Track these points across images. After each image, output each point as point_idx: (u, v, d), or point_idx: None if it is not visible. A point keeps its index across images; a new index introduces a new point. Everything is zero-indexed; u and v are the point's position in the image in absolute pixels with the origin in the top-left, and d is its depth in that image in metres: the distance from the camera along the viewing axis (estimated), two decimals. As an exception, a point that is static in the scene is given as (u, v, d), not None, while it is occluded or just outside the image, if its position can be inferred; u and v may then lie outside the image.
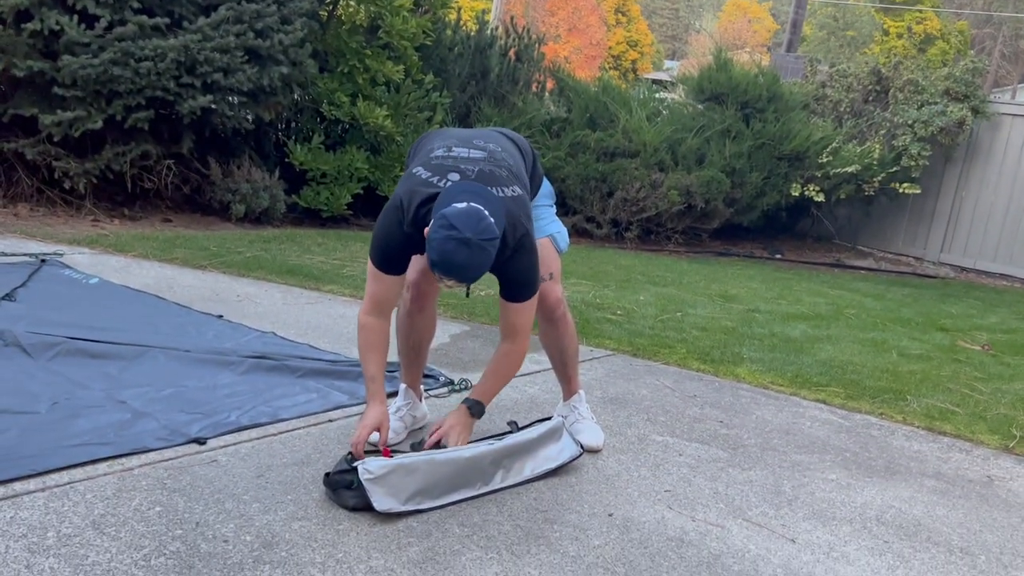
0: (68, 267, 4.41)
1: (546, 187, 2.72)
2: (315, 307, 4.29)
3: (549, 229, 2.65)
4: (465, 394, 2.73)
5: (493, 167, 2.31)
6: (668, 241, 9.22)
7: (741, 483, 2.54)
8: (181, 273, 4.73)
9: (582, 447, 2.54)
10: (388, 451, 2.18)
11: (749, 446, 2.90)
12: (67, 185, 6.00)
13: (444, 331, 4.07)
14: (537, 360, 3.70)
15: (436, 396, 3.04)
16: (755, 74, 9.67)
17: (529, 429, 2.44)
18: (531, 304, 2.38)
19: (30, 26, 5.47)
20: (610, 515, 2.21)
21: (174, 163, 6.46)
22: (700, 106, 9.88)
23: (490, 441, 2.32)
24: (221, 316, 3.83)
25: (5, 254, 4.55)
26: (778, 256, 9.63)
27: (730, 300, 5.99)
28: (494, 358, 2.48)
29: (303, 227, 7.62)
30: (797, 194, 9.41)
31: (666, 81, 16.52)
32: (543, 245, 2.53)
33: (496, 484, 2.25)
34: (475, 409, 2.41)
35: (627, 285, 6.10)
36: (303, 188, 7.80)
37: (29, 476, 2.01)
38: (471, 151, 2.34)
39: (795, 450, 2.92)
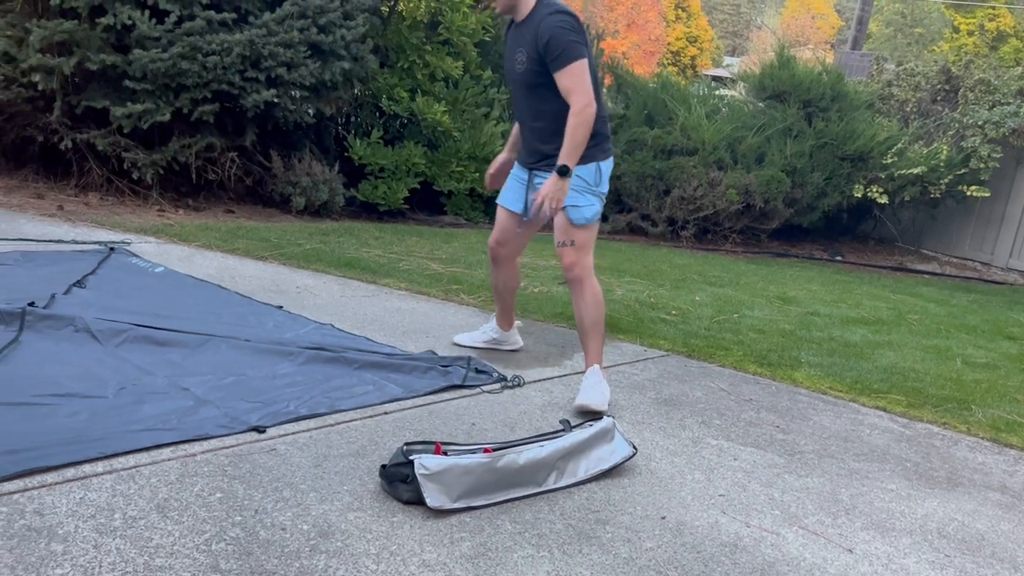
0: (135, 255, 4.54)
1: (586, 172, 3.03)
2: (372, 300, 4.35)
3: (575, 207, 3.03)
4: (517, 390, 3.12)
5: None
6: (725, 241, 9.10)
7: (797, 490, 2.50)
8: (243, 263, 4.84)
9: (634, 447, 2.53)
10: (440, 447, 2.20)
11: (806, 452, 2.85)
12: (135, 176, 6.18)
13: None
14: (590, 359, 3.69)
15: (489, 392, 3.05)
16: (819, 72, 9.48)
17: (581, 430, 2.43)
18: (573, 68, 2.86)
19: (104, 20, 5.64)
20: (663, 518, 2.20)
21: (237, 155, 6.61)
22: (761, 104, 9.72)
23: (541, 443, 2.31)
24: (281, 307, 3.90)
25: (76, 242, 4.71)
26: (838, 258, 9.43)
27: (788, 302, 5.88)
28: (568, 123, 2.89)
29: (360, 220, 7.73)
30: (860, 195, 9.20)
31: (726, 78, 16.29)
32: (558, 216, 3.03)
33: (549, 485, 2.25)
34: (562, 170, 2.89)
35: (682, 285, 6.04)
36: (361, 182, 7.90)
37: (98, 459, 2.08)
38: None
39: (853, 458, 2.86)
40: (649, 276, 6.23)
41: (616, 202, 9.22)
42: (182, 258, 4.71)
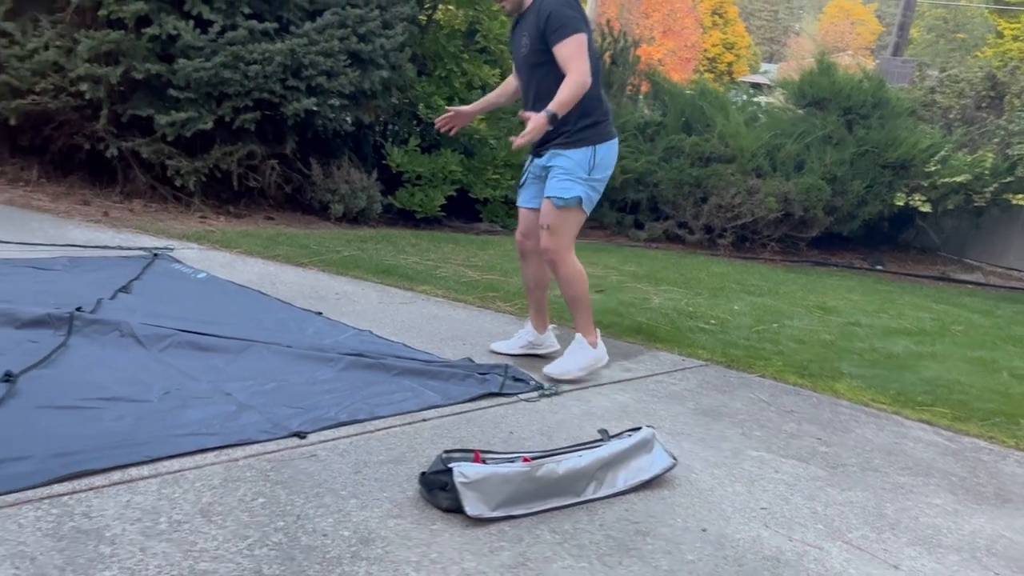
0: (178, 261, 4.62)
1: (578, 156, 3.22)
2: (409, 307, 4.37)
3: (553, 190, 3.24)
4: (555, 398, 3.12)
5: None
6: (763, 249, 9.01)
7: (841, 504, 2.46)
8: (283, 270, 4.89)
9: (674, 458, 2.51)
10: (479, 455, 2.20)
11: (849, 465, 2.80)
12: (178, 183, 6.29)
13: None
14: (627, 368, 3.68)
15: (527, 400, 3.05)
16: (859, 79, 9.35)
17: (620, 440, 2.42)
18: (568, 43, 3.07)
19: (149, 31, 5.76)
20: (704, 530, 2.17)
21: (278, 163, 6.70)
22: (800, 111, 9.62)
23: (580, 453, 2.30)
24: (320, 313, 3.94)
25: (121, 248, 4.81)
26: (879, 267, 9.28)
27: (829, 312, 5.80)
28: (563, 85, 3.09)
29: (397, 227, 7.78)
30: (901, 204, 9.06)
31: (763, 84, 16.13)
32: (544, 203, 3.27)
33: (589, 495, 2.24)
34: (550, 116, 3.06)
35: (720, 293, 5.99)
36: (398, 189, 7.96)
37: (143, 462, 2.12)
38: None
39: (898, 472, 2.80)
40: (687, 284, 6.19)
41: (652, 209, 9.18)
42: (224, 264, 4.78)
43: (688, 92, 9.83)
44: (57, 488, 1.93)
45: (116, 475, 2.04)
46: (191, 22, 5.85)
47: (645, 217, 9.19)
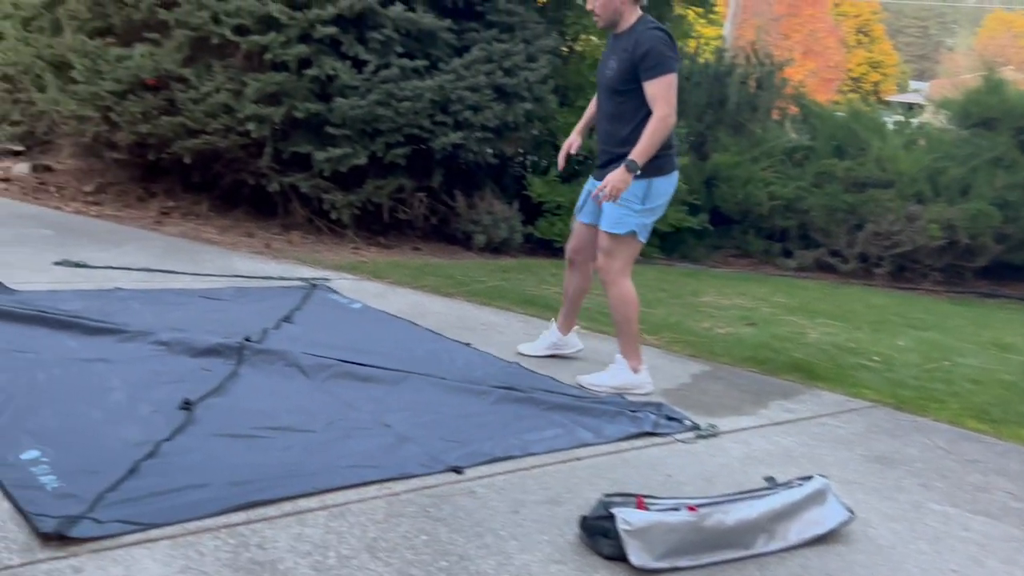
0: (334, 292, 4.80)
1: (634, 187, 3.26)
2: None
3: (608, 222, 3.37)
4: (712, 440, 3.01)
5: None
6: (924, 279, 8.44)
7: (1044, 571, 2.22)
8: (431, 300, 4.99)
9: (850, 511, 2.33)
10: (642, 501, 2.12)
11: (1049, 526, 2.53)
12: (333, 216, 6.57)
13: (684, 370, 3.97)
14: (788, 408, 3.51)
15: (683, 441, 2.94)
16: (1035, 96, 8.65)
17: (791, 489, 2.28)
18: (660, 82, 3.18)
19: (310, 72, 6.07)
20: (888, 593, 2.00)
21: (425, 195, 6.88)
22: (964, 132, 8.99)
23: (749, 502, 2.18)
24: (469, 344, 3.97)
25: (282, 278, 5.04)
26: (1059, 300, 8.48)
27: (1005, 349, 5.34)
28: (647, 126, 3.19)
29: (537, 257, 7.81)
30: (1085, 231, 8.26)
31: (913, 104, 15.25)
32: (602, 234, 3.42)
33: (759, 548, 2.11)
34: (630, 165, 3.19)
35: (882, 327, 5.63)
36: (538, 219, 8.00)
37: (311, 494, 2.17)
38: None
39: (1109, 536, 2.50)
40: (844, 317, 5.86)
41: (802, 237, 8.79)
42: (376, 294, 4.93)
43: (838, 115, 9.40)
44: (234, 517, 2.01)
45: (287, 506, 2.10)
46: (348, 62, 6.12)
47: (794, 245, 8.82)
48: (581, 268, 3.77)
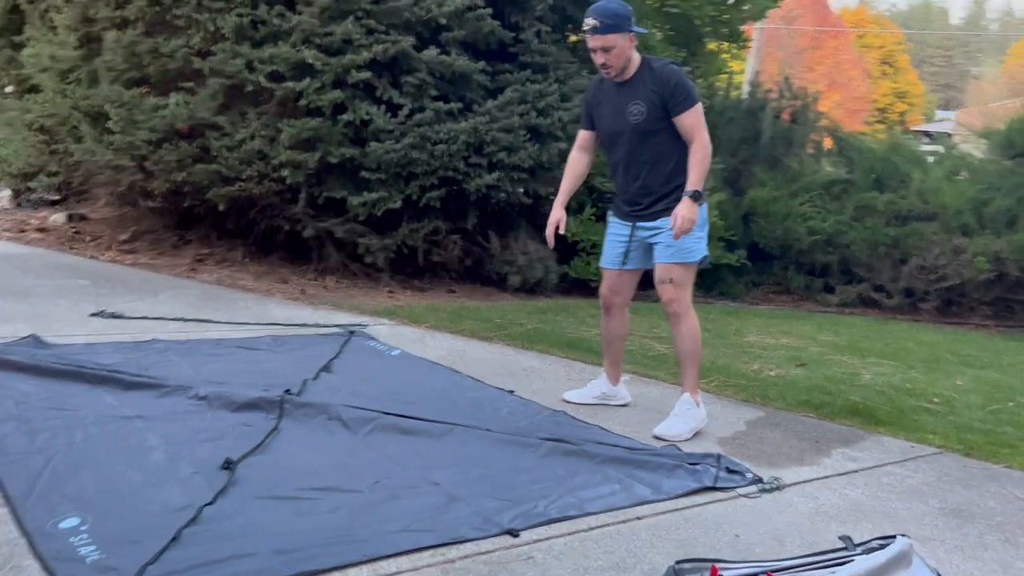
0: (372, 338, 4.71)
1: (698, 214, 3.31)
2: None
3: (683, 251, 3.38)
4: (777, 494, 2.85)
5: None
6: (972, 313, 8.19)
7: None
8: (470, 345, 4.88)
9: (938, 574, 2.16)
10: (716, 569, 1.97)
11: None
12: (368, 260, 6.52)
13: (738, 416, 3.81)
14: (852, 456, 3.34)
15: (746, 496, 2.78)
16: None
17: (874, 553, 2.11)
18: (692, 112, 3.26)
19: (344, 117, 6.07)
20: (993, 671, 1.83)
21: (460, 237, 6.81)
22: (1008, 162, 8.78)
23: (831, 568, 2.02)
24: (512, 391, 3.85)
25: (319, 325, 4.97)
26: (1116, 332, 8.18)
27: (1070, 388, 5.09)
28: (692, 156, 3.28)
29: (572, 297, 7.69)
30: None
31: (938, 133, 15.03)
32: (669, 266, 3.42)
33: (847, 619, 1.95)
34: (694, 195, 3.25)
35: (936, 366, 5.41)
36: (573, 259, 7.90)
37: (362, 562, 2.05)
38: None
39: None
40: (895, 356, 5.65)
41: (844, 272, 8.60)
42: (414, 340, 4.83)
43: (876, 147, 9.24)
44: (281, 590, 1.89)
45: (336, 576, 1.98)
46: (382, 107, 6.11)
47: (836, 280, 8.62)
48: (620, 312, 3.74)
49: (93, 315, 4.62)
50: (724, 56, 10.75)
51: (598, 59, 3.37)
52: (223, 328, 4.68)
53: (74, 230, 7.91)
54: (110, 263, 6.69)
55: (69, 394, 3.13)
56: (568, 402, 3.75)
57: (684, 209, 3.25)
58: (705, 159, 3.29)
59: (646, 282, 3.70)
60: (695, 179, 3.26)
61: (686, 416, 3.40)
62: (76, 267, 6.29)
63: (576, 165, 3.68)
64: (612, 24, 3.27)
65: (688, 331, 3.46)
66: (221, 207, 6.50)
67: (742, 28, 10.10)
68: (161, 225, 7.44)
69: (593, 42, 3.32)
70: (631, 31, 3.32)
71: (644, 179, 3.43)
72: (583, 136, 3.68)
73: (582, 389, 3.84)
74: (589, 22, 3.31)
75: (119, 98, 6.43)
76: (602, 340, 3.84)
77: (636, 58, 3.38)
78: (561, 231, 3.66)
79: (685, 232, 3.27)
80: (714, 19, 8.83)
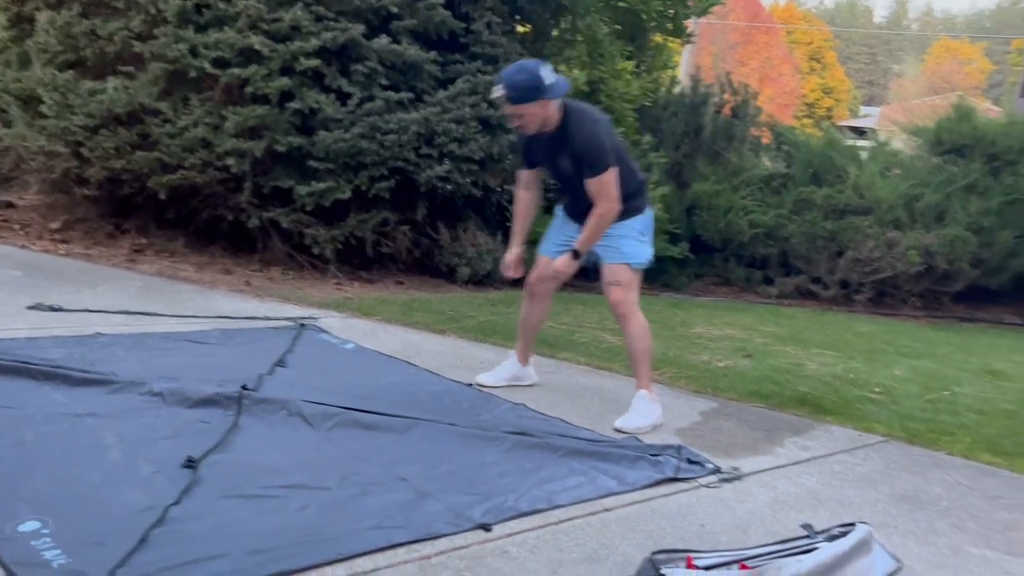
0: (324, 331, 4.64)
1: (636, 223, 3.48)
2: (555, 376, 4.24)
3: (628, 254, 3.49)
4: (737, 484, 2.92)
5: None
6: (903, 304, 8.50)
7: (1100, 619, 2.14)
8: (424, 338, 4.86)
9: (898, 560, 2.25)
10: (691, 560, 2.01)
11: (1091, 568, 2.46)
12: (315, 251, 6.41)
13: (692, 407, 3.89)
14: (804, 446, 3.44)
15: (707, 486, 2.83)
16: (1005, 124, 8.81)
17: (838, 540, 2.18)
18: (604, 178, 3.29)
19: (292, 105, 5.95)
20: (954, 652, 1.91)
21: (409, 229, 6.76)
22: (936, 159, 9.12)
23: (799, 556, 2.08)
24: (471, 384, 3.85)
25: (268, 318, 4.87)
26: (1035, 323, 8.59)
27: (998, 376, 5.34)
28: (589, 219, 3.35)
29: (520, 289, 7.70)
30: (1058, 254, 8.39)
31: (865, 128, 15.54)
32: (618, 265, 3.49)
33: (815, 605, 2.01)
34: (575, 254, 3.43)
35: (875, 357, 5.61)
36: (522, 250, 7.92)
37: (336, 560, 2.02)
38: None
39: None
40: (835, 347, 5.83)
41: (783, 265, 8.82)
42: (366, 333, 4.78)
43: (814, 142, 9.49)
44: (258, 591, 1.86)
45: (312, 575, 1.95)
46: (331, 95, 6.01)
47: (775, 272, 8.84)
48: (544, 299, 3.87)
49: (30, 308, 4.44)
50: (670, 49, 10.87)
51: (512, 122, 3.40)
52: (169, 321, 4.54)
53: (2, 218, 7.57)
54: (42, 253, 6.42)
55: (14, 391, 3.00)
56: (482, 385, 3.82)
57: (562, 264, 3.48)
58: (600, 224, 3.34)
59: (594, 274, 3.74)
60: (584, 239, 3.37)
61: (645, 411, 3.46)
62: (7, 256, 6.03)
63: (524, 206, 3.73)
64: (519, 97, 3.21)
65: (637, 330, 3.54)
66: (162, 196, 6.30)
67: (685, 23, 10.23)
68: (96, 214, 7.17)
69: (504, 108, 3.35)
70: (542, 99, 3.22)
71: (589, 204, 3.39)
72: (526, 175, 3.71)
73: (494, 372, 3.93)
74: (498, 91, 3.27)
75: (52, 81, 6.18)
76: (520, 324, 3.92)
77: (555, 115, 3.31)
78: (516, 274, 3.71)
79: (564, 276, 3.58)
80: (660, 14, 8.92)
